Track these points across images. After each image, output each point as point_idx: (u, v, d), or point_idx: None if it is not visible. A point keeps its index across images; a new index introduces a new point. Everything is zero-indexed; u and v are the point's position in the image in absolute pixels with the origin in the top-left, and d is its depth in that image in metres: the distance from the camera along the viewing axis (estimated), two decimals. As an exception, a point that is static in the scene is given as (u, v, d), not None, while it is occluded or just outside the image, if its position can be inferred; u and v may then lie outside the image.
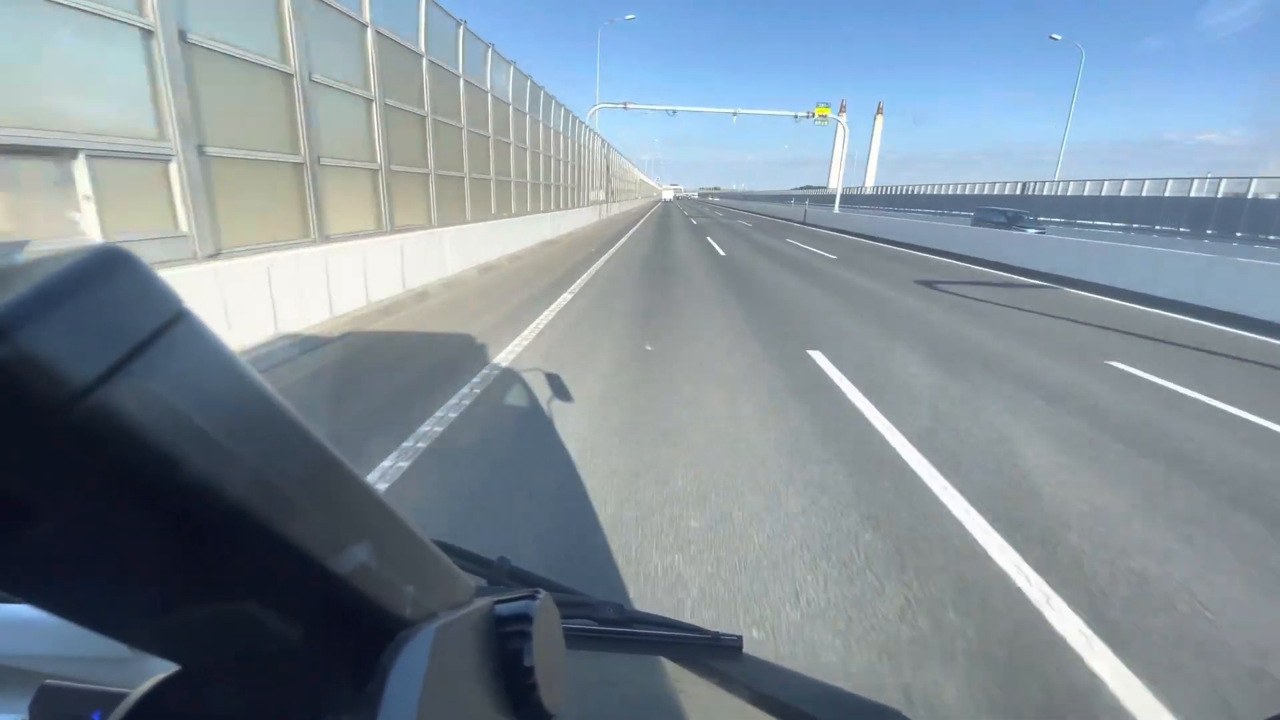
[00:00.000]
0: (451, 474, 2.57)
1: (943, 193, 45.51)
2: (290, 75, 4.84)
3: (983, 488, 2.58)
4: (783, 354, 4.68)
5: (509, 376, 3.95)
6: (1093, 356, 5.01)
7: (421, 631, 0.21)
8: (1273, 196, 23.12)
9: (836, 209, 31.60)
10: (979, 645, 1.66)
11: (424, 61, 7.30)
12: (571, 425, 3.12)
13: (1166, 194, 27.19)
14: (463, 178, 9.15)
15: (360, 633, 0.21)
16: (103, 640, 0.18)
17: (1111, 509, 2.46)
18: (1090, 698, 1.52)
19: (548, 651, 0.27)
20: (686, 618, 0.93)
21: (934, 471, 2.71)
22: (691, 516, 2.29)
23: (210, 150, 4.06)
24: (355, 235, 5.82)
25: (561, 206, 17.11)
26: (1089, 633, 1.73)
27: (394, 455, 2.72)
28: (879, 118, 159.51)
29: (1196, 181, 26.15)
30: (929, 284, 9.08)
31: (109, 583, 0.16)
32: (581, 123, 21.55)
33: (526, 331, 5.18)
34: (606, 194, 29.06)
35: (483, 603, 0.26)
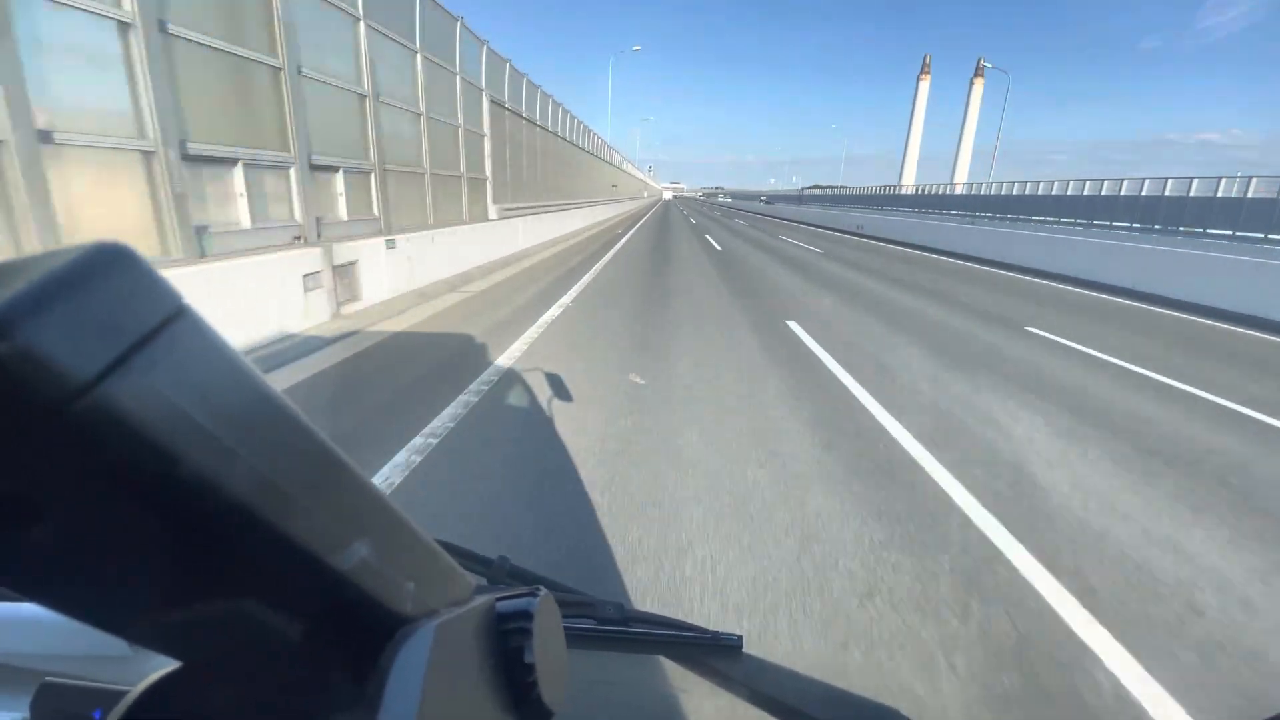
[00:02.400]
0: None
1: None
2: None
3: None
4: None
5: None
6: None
7: (422, 628, 0.21)
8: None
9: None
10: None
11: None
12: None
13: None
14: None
15: (361, 630, 0.21)
16: (103, 638, 0.18)
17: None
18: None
19: (548, 649, 0.27)
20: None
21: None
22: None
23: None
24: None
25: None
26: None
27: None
28: (977, 83, 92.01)
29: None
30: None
31: (110, 580, 0.16)
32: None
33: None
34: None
35: (484, 600, 0.26)
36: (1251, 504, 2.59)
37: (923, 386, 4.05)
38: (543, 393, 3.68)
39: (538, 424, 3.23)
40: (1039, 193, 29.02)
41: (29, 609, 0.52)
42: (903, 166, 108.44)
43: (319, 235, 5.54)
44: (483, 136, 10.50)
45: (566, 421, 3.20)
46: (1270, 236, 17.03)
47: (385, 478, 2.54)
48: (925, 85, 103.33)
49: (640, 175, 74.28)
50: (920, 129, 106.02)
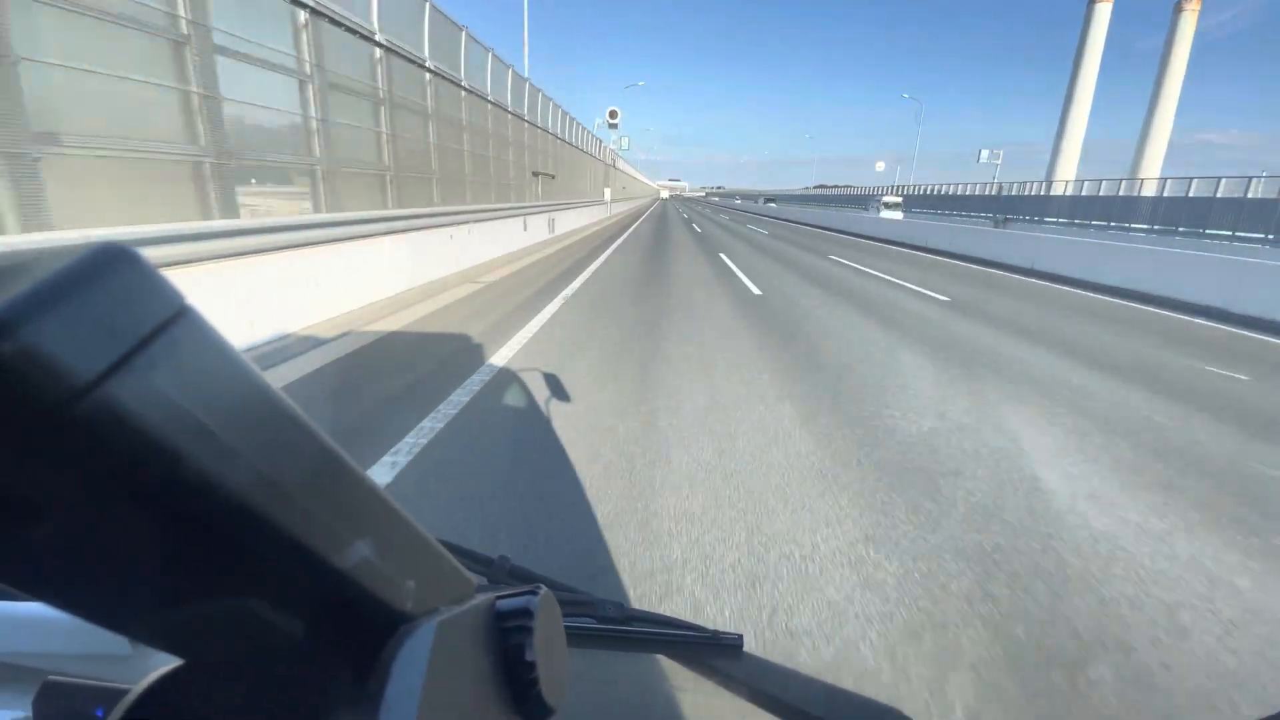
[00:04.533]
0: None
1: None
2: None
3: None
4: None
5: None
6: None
7: (423, 626, 0.22)
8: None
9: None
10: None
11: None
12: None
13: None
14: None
15: (362, 628, 0.21)
16: (105, 636, 0.18)
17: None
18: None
19: (549, 647, 0.27)
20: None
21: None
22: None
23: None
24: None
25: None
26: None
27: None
28: (1187, 12, 52.29)
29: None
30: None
31: (113, 578, 0.16)
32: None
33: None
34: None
35: (484, 598, 0.26)
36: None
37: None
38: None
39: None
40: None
41: (31, 608, 0.52)
42: (1057, 153, 58.74)
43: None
44: None
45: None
46: None
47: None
48: (1104, 16, 54.53)
49: (630, 170, 36.78)
50: (1090, 90, 55.07)
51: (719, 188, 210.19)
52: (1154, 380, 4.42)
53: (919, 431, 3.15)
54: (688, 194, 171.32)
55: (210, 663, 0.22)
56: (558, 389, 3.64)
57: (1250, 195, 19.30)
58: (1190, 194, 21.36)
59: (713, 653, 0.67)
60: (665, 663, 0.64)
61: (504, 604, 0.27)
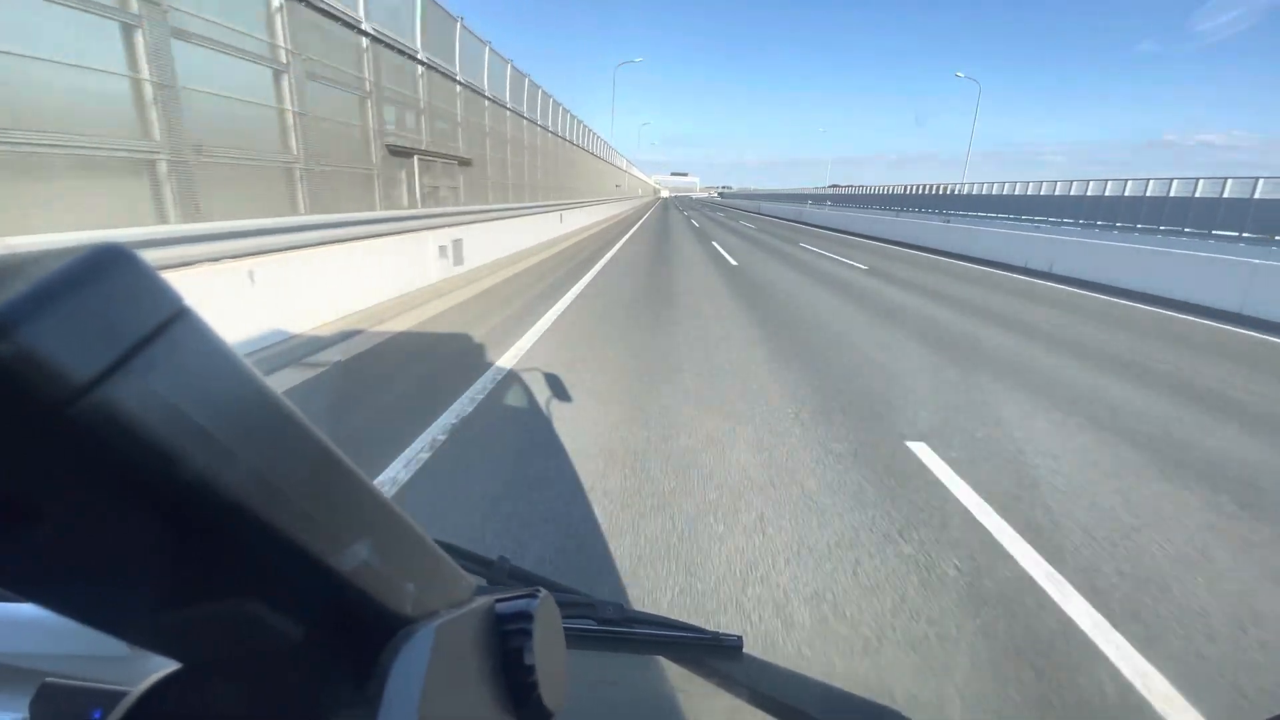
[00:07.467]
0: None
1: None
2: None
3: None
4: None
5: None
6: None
7: (422, 629, 0.21)
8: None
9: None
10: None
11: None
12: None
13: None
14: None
15: (361, 631, 0.21)
16: (103, 638, 0.18)
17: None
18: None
19: (548, 650, 0.27)
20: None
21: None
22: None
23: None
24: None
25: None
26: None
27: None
28: None
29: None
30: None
31: (110, 581, 0.16)
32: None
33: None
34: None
35: (483, 601, 0.26)
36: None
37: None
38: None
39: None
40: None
41: (28, 608, 0.52)
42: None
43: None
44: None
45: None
46: None
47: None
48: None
49: (626, 167, 28.50)
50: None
51: (726, 187, 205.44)
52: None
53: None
54: (697, 194, 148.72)
55: (208, 666, 0.22)
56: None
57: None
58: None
59: (712, 654, 0.67)
60: (665, 664, 0.64)
61: (503, 607, 0.27)
